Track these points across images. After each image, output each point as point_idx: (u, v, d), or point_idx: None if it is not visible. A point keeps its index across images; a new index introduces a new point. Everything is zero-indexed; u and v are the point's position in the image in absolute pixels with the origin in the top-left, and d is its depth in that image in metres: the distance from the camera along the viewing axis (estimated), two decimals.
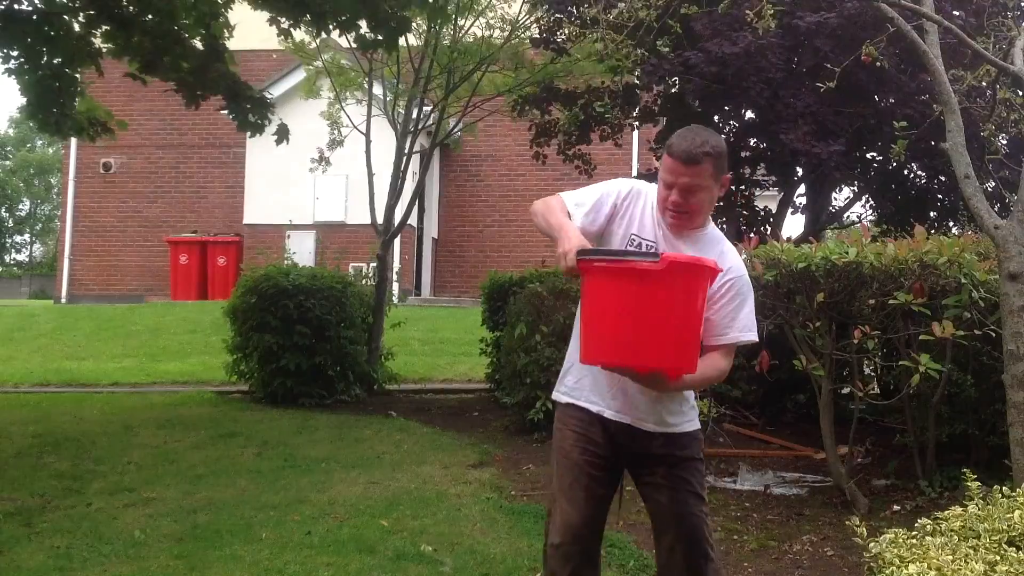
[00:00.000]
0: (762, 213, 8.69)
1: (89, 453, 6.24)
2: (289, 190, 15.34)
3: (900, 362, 4.88)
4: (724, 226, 8.23)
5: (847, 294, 4.95)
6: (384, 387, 8.80)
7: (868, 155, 7.96)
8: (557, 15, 7.90)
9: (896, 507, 5.07)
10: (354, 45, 6.75)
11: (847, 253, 4.77)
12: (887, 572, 2.25)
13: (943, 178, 7.64)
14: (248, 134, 7.35)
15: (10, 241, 52.84)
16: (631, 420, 2.70)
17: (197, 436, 6.73)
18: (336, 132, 9.46)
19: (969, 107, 6.11)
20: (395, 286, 12.74)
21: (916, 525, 2.55)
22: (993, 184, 7.28)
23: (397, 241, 11.24)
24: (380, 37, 6.34)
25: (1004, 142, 7.46)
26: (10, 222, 52.16)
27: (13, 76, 6.51)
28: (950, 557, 2.23)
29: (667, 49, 6.98)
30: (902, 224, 7.94)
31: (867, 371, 6.07)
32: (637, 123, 9.22)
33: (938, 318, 4.55)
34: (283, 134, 7.19)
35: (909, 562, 2.24)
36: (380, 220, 9.06)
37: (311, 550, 4.25)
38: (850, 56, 5.85)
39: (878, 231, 8.36)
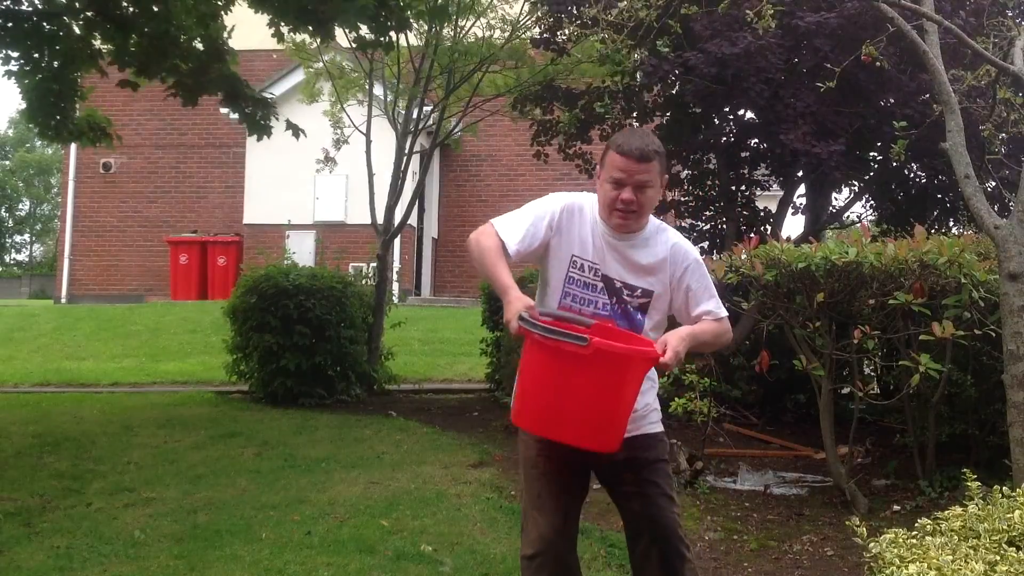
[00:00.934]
0: (762, 213, 8.69)
1: (89, 453, 6.24)
2: (289, 190, 15.34)
3: (900, 362, 4.88)
4: (724, 226, 8.24)
5: (847, 294, 4.96)
6: (384, 387, 8.81)
7: (868, 155, 7.95)
8: (557, 14, 7.89)
9: (896, 507, 5.07)
10: (353, 45, 6.75)
11: (847, 253, 4.77)
12: (887, 572, 2.25)
13: (943, 178, 7.63)
14: (256, 138, 7.35)
15: (10, 241, 52.83)
16: None
17: (197, 436, 6.73)
18: (340, 132, 9.47)
19: (969, 107, 6.11)
20: (395, 286, 12.75)
21: (916, 525, 2.55)
22: (993, 184, 7.27)
23: (397, 241, 11.25)
24: (379, 37, 6.35)
25: (1004, 142, 7.46)
26: (10, 222, 52.13)
27: (13, 78, 6.51)
28: (950, 557, 2.23)
29: (667, 49, 6.97)
30: (902, 224, 7.94)
31: (867, 371, 6.07)
32: (637, 123, 9.22)
33: (938, 318, 4.55)
34: (294, 129, 7.21)
35: (909, 562, 2.24)
36: (380, 220, 9.06)
37: (311, 550, 4.25)
38: (850, 56, 5.85)
39: (878, 231, 8.35)
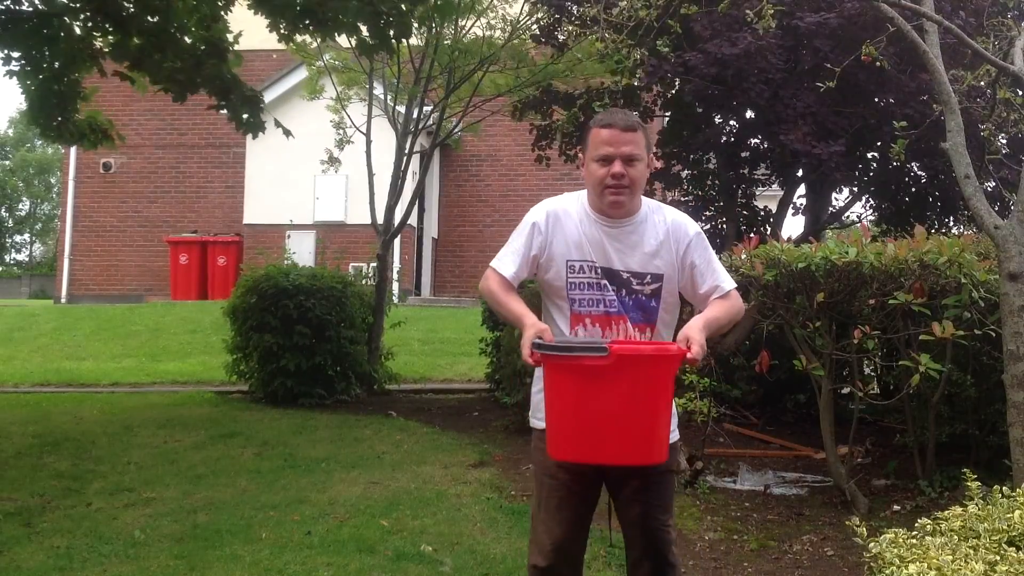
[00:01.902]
0: (762, 213, 8.70)
1: (89, 453, 6.24)
2: (289, 190, 15.34)
3: (900, 362, 4.88)
4: (724, 226, 8.24)
5: (847, 294, 4.96)
6: (384, 387, 8.81)
7: (868, 155, 7.96)
8: (557, 14, 7.90)
9: (896, 507, 5.07)
10: (353, 44, 6.74)
11: (847, 253, 4.77)
12: (887, 572, 2.25)
13: (943, 178, 7.63)
14: (252, 136, 7.32)
15: (10, 241, 52.83)
16: None
17: (197, 436, 6.73)
18: (342, 132, 9.48)
19: (969, 107, 6.11)
20: (395, 286, 12.75)
21: (916, 525, 2.55)
22: (993, 184, 7.28)
23: (397, 241, 11.25)
24: (380, 40, 6.34)
25: (1004, 142, 7.46)
26: (10, 222, 52.13)
27: (15, 78, 6.50)
28: (950, 557, 2.23)
29: (667, 49, 6.97)
30: (902, 224, 7.94)
31: (867, 371, 6.07)
32: None
33: (938, 318, 4.55)
34: (284, 130, 7.21)
35: (909, 562, 2.24)
36: (380, 220, 9.06)
37: (311, 550, 4.25)
38: (850, 56, 5.85)
39: (878, 231, 8.36)
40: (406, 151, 9.08)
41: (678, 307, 2.79)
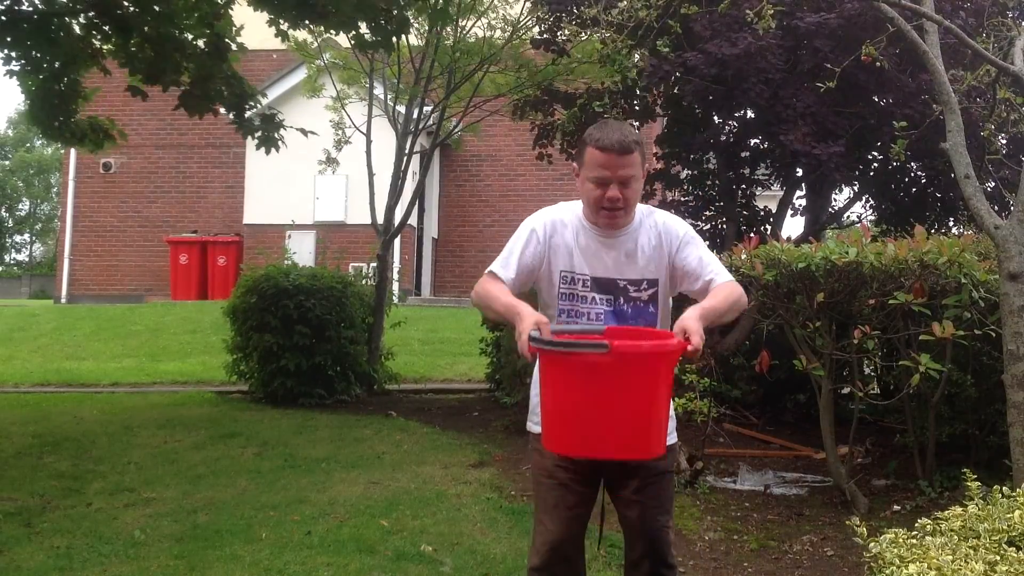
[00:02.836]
0: (762, 213, 8.69)
1: (89, 453, 6.24)
2: (289, 190, 15.34)
3: (900, 362, 4.88)
4: (724, 226, 8.23)
5: (847, 294, 4.96)
6: (384, 387, 8.81)
7: (868, 155, 7.95)
8: (557, 14, 7.90)
9: (896, 507, 5.07)
10: (352, 43, 6.75)
11: (847, 253, 4.77)
12: (887, 572, 2.25)
13: (943, 178, 7.63)
14: (265, 150, 7.38)
15: (10, 241, 52.81)
16: None
17: (197, 436, 6.73)
18: (341, 133, 9.48)
19: (969, 107, 6.11)
20: (395, 286, 12.75)
21: (916, 525, 2.55)
22: (993, 184, 7.28)
23: (397, 241, 11.25)
24: (379, 38, 6.34)
25: (1004, 142, 7.46)
26: (10, 222, 52.12)
27: (15, 78, 6.51)
28: (950, 557, 2.23)
29: (667, 49, 6.97)
30: (902, 224, 7.94)
31: (867, 371, 6.07)
32: (637, 122, 9.23)
33: (938, 318, 4.55)
34: (304, 133, 7.29)
35: (909, 562, 2.24)
36: (380, 220, 9.06)
37: (311, 550, 4.25)
38: (850, 56, 5.85)
39: (878, 231, 8.35)
40: (406, 151, 9.08)
41: (670, 306, 2.80)
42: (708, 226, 8.58)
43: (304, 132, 7.25)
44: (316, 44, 9.19)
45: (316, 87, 9.61)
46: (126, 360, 10.91)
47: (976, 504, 2.62)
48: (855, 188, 8.56)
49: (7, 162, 51.78)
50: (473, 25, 8.82)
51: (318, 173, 10.78)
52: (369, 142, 9.12)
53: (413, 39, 8.39)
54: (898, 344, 5.17)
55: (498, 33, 8.84)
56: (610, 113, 7.65)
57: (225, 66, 6.77)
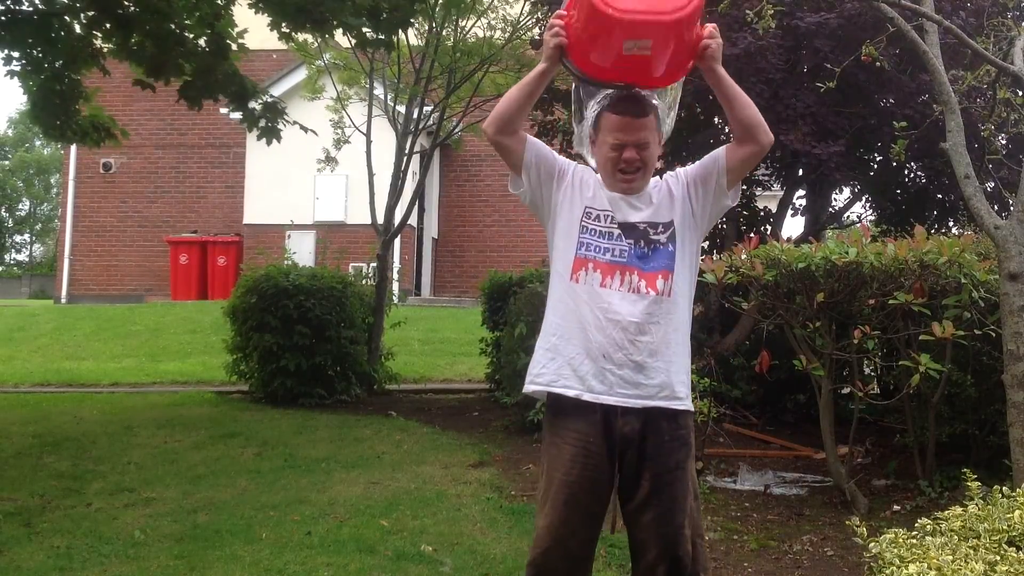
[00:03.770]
0: (762, 213, 8.69)
1: (89, 453, 6.24)
2: (289, 190, 15.34)
3: (900, 362, 4.88)
4: (724, 226, 8.23)
5: (847, 294, 4.96)
6: (384, 387, 8.81)
7: (868, 155, 7.95)
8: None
9: (896, 507, 5.07)
10: (353, 43, 6.75)
11: (847, 253, 4.77)
12: (887, 572, 2.25)
13: (943, 178, 7.63)
14: (266, 141, 7.37)
15: (10, 241, 52.82)
16: (642, 399, 2.59)
17: (197, 436, 6.73)
18: (341, 132, 9.48)
19: (969, 107, 6.11)
20: (395, 286, 12.75)
21: (916, 525, 2.55)
22: (993, 184, 7.27)
23: (397, 241, 11.25)
24: (380, 35, 6.34)
25: (1004, 142, 7.46)
26: (10, 222, 52.12)
27: (16, 78, 6.51)
28: (950, 557, 2.23)
29: None
30: (902, 224, 7.94)
31: (867, 371, 6.07)
32: None
33: (938, 318, 4.55)
34: (303, 128, 7.26)
35: (909, 562, 2.24)
36: (380, 220, 9.07)
37: (311, 550, 4.24)
38: (850, 56, 5.84)
39: (878, 231, 8.35)
40: (406, 151, 9.09)
41: (698, 254, 2.78)
42: None
43: (304, 128, 7.27)
44: (316, 44, 9.19)
45: (316, 88, 9.62)
46: (126, 360, 10.91)
47: (976, 504, 2.62)
48: (855, 188, 8.56)
49: (7, 162, 51.77)
50: (473, 25, 8.83)
51: (318, 173, 10.78)
52: (369, 142, 9.12)
53: (413, 39, 8.40)
54: (898, 344, 5.17)
55: (498, 33, 8.84)
56: None
57: (226, 64, 6.78)
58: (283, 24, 6.55)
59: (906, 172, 8.14)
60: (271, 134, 7.24)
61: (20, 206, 52.80)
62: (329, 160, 9.52)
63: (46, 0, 6.54)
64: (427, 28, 8.52)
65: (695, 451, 2.78)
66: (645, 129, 2.64)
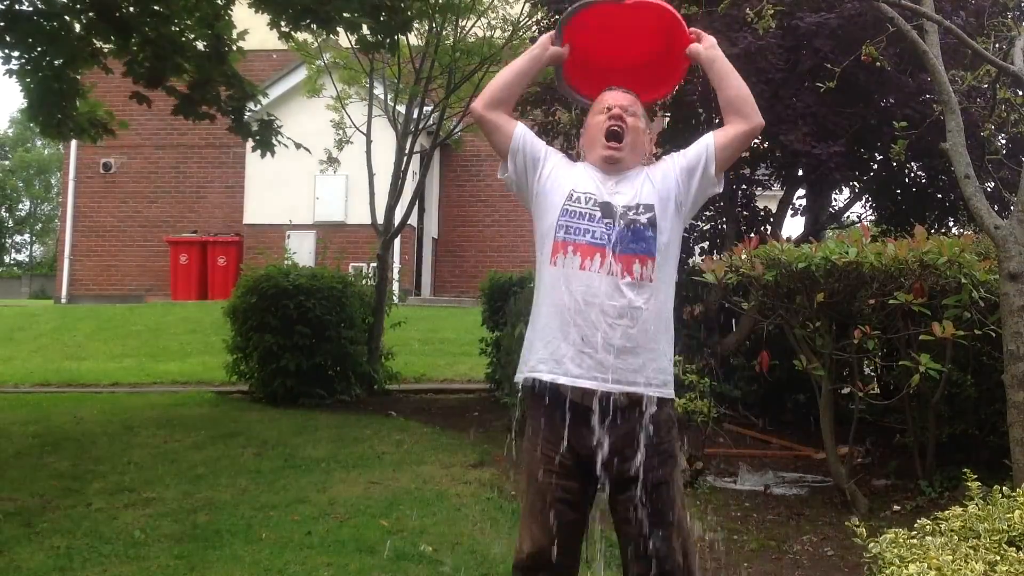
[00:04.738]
0: (762, 213, 8.69)
1: (89, 453, 6.24)
2: (289, 190, 15.34)
3: (900, 362, 4.89)
4: (724, 226, 8.24)
5: (847, 294, 4.96)
6: (384, 387, 8.81)
7: (868, 155, 7.95)
8: (557, 15, 7.89)
9: (896, 507, 5.07)
10: (355, 45, 6.75)
11: (847, 253, 4.78)
12: (887, 572, 2.25)
13: (943, 178, 7.63)
14: (260, 154, 7.44)
15: (10, 241, 52.82)
16: (619, 384, 2.54)
17: (197, 436, 6.73)
18: (341, 132, 9.49)
19: (969, 107, 6.11)
20: (395, 286, 12.75)
21: (916, 525, 2.55)
22: (993, 184, 7.28)
23: (397, 241, 11.25)
24: (381, 37, 6.34)
25: (1004, 142, 7.46)
26: (10, 222, 52.13)
27: (14, 77, 6.51)
28: (950, 557, 2.23)
29: None
30: (902, 224, 7.94)
31: (867, 371, 6.07)
32: None
33: (938, 318, 4.55)
34: (296, 145, 7.30)
35: (909, 562, 2.24)
36: (380, 220, 9.07)
37: (311, 550, 4.24)
38: (850, 56, 5.85)
39: (878, 231, 8.36)
40: (406, 151, 9.09)
41: (679, 243, 2.76)
42: (708, 226, 8.58)
43: (298, 145, 7.31)
44: (316, 44, 9.19)
45: (316, 87, 9.62)
46: (126, 360, 10.91)
47: (976, 504, 2.62)
48: (855, 188, 8.57)
49: (7, 162, 51.78)
50: (473, 25, 8.83)
51: (318, 173, 10.78)
52: (369, 142, 9.12)
53: (413, 39, 8.40)
54: (898, 344, 5.17)
55: (498, 33, 8.84)
56: None
57: (225, 66, 6.77)
58: (282, 23, 6.55)
59: (906, 172, 8.14)
60: (266, 147, 7.28)
61: (20, 206, 52.83)
62: (331, 161, 9.52)
63: (46, 0, 6.54)
64: (427, 28, 8.51)
65: (696, 452, 2.77)
66: (632, 103, 2.76)
